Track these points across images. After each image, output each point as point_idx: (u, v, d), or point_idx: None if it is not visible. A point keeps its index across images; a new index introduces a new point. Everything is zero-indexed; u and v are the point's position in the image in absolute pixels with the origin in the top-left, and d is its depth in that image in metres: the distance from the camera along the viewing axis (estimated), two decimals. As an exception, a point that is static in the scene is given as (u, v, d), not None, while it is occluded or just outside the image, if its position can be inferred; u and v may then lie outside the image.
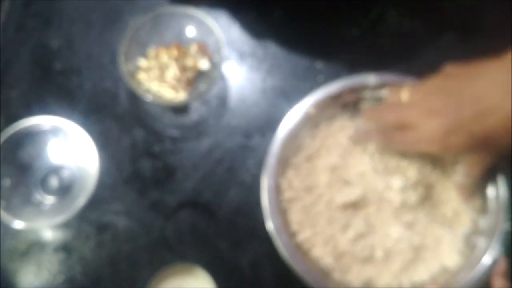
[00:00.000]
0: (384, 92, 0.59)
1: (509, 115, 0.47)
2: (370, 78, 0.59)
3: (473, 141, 0.49)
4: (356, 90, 0.59)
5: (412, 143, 0.53)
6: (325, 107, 0.59)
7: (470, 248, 0.54)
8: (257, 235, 0.60)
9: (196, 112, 0.67)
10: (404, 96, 0.54)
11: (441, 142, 0.50)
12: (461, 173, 0.56)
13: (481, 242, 0.54)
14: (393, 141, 0.55)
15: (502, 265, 0.51)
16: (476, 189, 0.55)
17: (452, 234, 0.55)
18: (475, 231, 0.55)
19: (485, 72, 0.50)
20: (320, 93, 0.59)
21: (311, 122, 0.59)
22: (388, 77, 0.59)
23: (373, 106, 0.59)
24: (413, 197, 0.55)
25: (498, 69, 0.50)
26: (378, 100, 0.59)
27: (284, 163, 0.58)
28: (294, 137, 0.58)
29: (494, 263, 0.52)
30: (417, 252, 0.55)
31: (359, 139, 0.58)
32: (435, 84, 0.53)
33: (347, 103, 0.60)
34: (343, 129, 0.60)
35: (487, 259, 0.52)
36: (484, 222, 0.55)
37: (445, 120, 0.50)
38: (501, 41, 0.52)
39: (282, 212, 0.56)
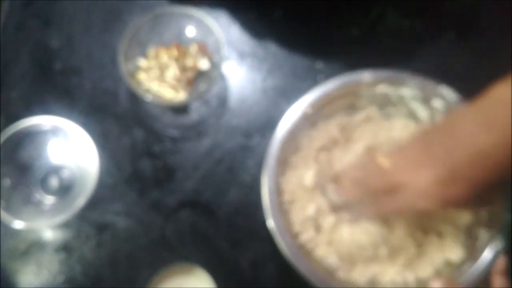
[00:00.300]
0: (381, 89, 0.58)
1: (509, 150, 0.44)
2: (365, 75, 0.59)
3: (475, 189, 0.45)
4: (352, 88, 0.59)
5: (405, 204, 0.49)
6: (322, 105, 0.59)
7: (472, 240, 0.54)
8: (257, 235, 0.60)
9: (196, 112, 0.67)
10: (381, 161, 0.50)
11: (437, 195, 0.46)
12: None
13: (483, 233, 0.54)
14: (385, 208, 0.51)
15: (502, 263, 0.51)
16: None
17: (454, 227, 0.55)
18: (476, 223, 0.55)
19: (462, 116, 0.47)
20: (316, 92, 0.59)
21: (309, 121, 0.59)
22: (383, 73, 0.59)
23: (352, 179, 0.54)
24: None
25: (476, 109, 0.46)
26: (375, 97, 0.59)
27: (283, 163, 0.58)
28: (292, 137, 0.58)
29: (497, 254, 0.52)
30: (420, 247, 0.55)
31: (355, 219, 0.55)
32: (415, 144, 0.49)
33: (344, 101, 0.60)
34: (341, 127, 0.60)
35: (489, 250, 0.52)
36: (485, 213, 0.55)
37: (435, 170, 0.46)
38: (501, 41, 0.52)
39: (283, 213, 0.56)
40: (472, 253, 0.54)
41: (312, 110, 0.59)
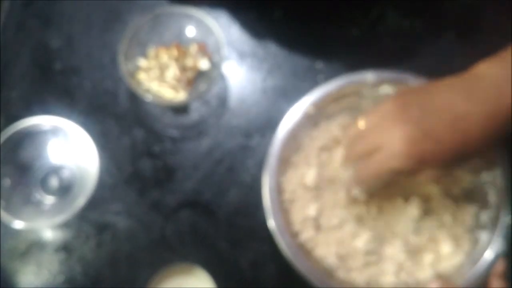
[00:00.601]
0: (384, 89, 0.58)
1: (481, 121, 0.46)
2: (368, 76, 0.59)
3: (441, 149, 0.46)
4: (355, 88, 0.59)
5: (381, 164, 0.49)
6: (324, 105, 0.59)
7: (472, 243, 0.54)
8: (257, 235, 0.60)
9: (196, 112, 0.67)
10: (361, 124, 0.52)
11: (409, 154, 0.46)
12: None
13: (483, 236, 0.54)
14: (365, 172, 0.51)
15: (500, 266, 0.51)
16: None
17: (454, 231, 0.55)
18: (476, 226, 0.55)
19: (445, 85, 0.49)
20: (319, 92, 0.59)
21: (310, 121, 0.59)
22: (386, 74, 0.59)
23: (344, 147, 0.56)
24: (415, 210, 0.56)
25: (458, 81, 0.48)
26: (378, 98, 0.59)
27: (284, 163, 0.58)
28: (294, 136, 0.58)
29: (497, 257, 0.52)
30: (420, 249, 0.55)
31: (349, 191, 0.56)
32: (393, 102, 0.49)
33: (346, 101, 0.60)
34: (343, 127, 0.60)
35: (489, 253, 0.52)
36: (485, 216, 0.55)
37: (408, 129, 0.46)
38: (501, 41, 0.52)
39: (283, 212, 0.56)
40: (472, 255, 0.54)
41: (314, 109, 0.59)
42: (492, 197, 0.55)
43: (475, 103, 0.46)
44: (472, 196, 0.56)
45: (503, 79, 0.47)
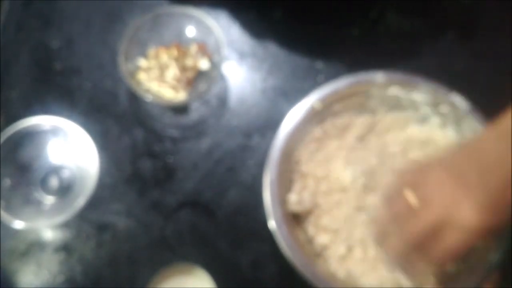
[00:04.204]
0: (393, 91, 0.58)
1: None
2: (378, 76, 0.59)
3: (506, 218, 0.43)
4: (364, 87, 0.59)
5: (456, 244, 0.44)
6: (332, 102, 0.59)
7: (470, 253, 0.54)
8: (257, 235, 0.60)
9: (196, 112, 0.67)
10: (411, 198, 0.46)
11: (485, 226, 0.42)
12: None
13: (481, 246, 0.53)
14: (438, 255, 0.45)
15: (495, 278, 0.51)
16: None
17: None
18: None
19: (489, 142, 0.45)
20: (327, 88, 0.59)
21: (317, 117, 0.59)
22: (396, 75, 0.59)
23: (386, 228, 0.49)
24: None
25: (501, 134, 0.44)
26: (386, 99, 0.59)
27: (288, 157, 0.58)
28: (299, 131, 0.58)
29: (492, 269, 0.52)
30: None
31: (416, 277, 0.51)
32: (436, 168, 0.46)
33: (354, 100, 0.60)
34: (349, 125, 0.60)
35: (488, 262, 0.52)
36: None
37: (475, 200, 0.42)
38: (501, 41, 0.52)
39: (284, 209, 0.56)
40: (469, 265, 0.53)
41: (321, 105, 0.59)
42: None
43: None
44: None
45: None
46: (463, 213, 0.42)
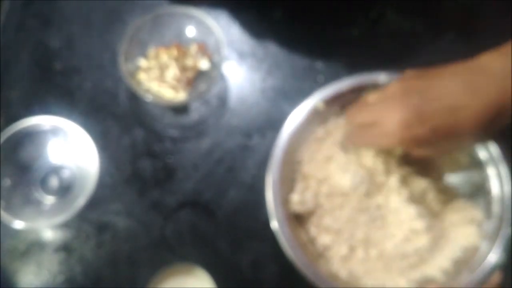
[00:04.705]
0: None
1: (477, 114, 0.48)
2: (381, 77, 0.59)
3: (433, 136, 0.49)
4: (367, 88, 0.59)
5: (374, 138, 0.53)
6: (335, 103, 0.59)
7: (472, 251, 0.54)
8: (257, 235, 0.60)
9: (196, 112, 0.67)
10: (371, 98, 0.55)
11: (401, 137, 0.50)
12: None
13: (483, 245, 0.53)
14: (359, 139, 0.56)
15: (497, 278, 0.51)
16: None
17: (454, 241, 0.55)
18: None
19: (448, 73, 0.51)
20: (330, 89, 0.59)
21: (319, 117, 0.59)
22: (399, 76, 0.59)
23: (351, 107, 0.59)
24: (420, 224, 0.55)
25: (461, 70, 0.50)
26: None
27: (290, 157, 0.58)
28: (302, 131, 0.58)
29: (494, 268, 0.52)
30: (419, 256, 0.55)
31: (345, 145, 0.59)
32: (398, 85, 0.53)
33: (357, 100, 0.60)
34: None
35: (488, 262, 0.52)
36: (487, 226, 0.54)
37: (406, 113, 0.50)
38: (501, 41, 0.52)
39: (286, 208, 0.56)
40: (470, 263, 0.53)
41: (324, 106, 0.59)
42: (496, 208, 0.54)
43: (475, 96, 0.48)
44: (477, 204, 0.56)
45: (505, 73, 0.48)
46: (389, 119, 0.50)
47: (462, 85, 0.49)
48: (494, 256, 0.52)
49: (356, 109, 0.57)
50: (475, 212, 0.56)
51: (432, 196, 0.57)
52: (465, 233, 0.55)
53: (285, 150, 0.57)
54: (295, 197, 0.56)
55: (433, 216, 0.56)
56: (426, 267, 0.54)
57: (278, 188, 0.55)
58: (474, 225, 0.55)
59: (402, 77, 0.54)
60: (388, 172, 0.57)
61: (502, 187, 0.54)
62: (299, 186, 0.58)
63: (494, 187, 0.55)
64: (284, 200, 0.56)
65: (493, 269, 0.52)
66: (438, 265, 0.54)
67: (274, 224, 0.55)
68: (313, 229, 0.57)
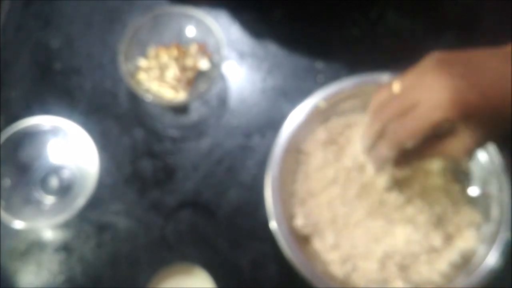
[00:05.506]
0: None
1: None
2: (384, 77, 0.58)
3: (485, 104, 0.42)
4: (369, 88, 0.59)
5: (419, 122, 0.43)
6: (337, 102, 0.59)
7: (469, 254, 0.54)
8: (257, 235, 0.60)
9: (196, 112, 0.67)
10: (396, 88, 0.47)
11: (453, 102, 0.42)
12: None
13: (481, 249, 0.53)
14: (398, 135, 0.45)
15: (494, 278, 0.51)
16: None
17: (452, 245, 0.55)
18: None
19: (486, 53, 0.45)
20: (333, 88, 0.59)
21: (321, 116, 0.59)
22: None
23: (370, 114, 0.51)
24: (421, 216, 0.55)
25: (497, 52, 0.45)
26: None
27: (290, 156, 0.58)
28: (303, 129, 0.58)
29: (491, 272, 0.52)
30: (415, 257, 0.55)
31: (378, 164, 0.51)
32: (431, 60, 0.45)
33: (359, 101, 0.59)
34: (353, 125, 0.60)
35: (486, 266, 0.52)
36: (486, 230, 0.54)
37: (452, 80, 0.42)
38: (501, 41, 0.52)
39: (285, 208, 0.56)
40: (467, 267, 0.53)
41: (326, 105, 0.59)
42: (495, 211, 0.54)
43: None
44: (476, 206, 0.56)
45: None
46: (435, 91, 0.43)
47: (506, 64, 0.43)
48: (491, 260, 0.52)
49: (378, 107, 0.47)
50: (474, 215, 0.56)
51: (432, 199, 0.57)
52: (463, 235, 0.55)
53: (285, 149, 0.57)
54: (299, 222, 0.56)
55: (432, 219, 0.56)
56: (424, 269, 0.54)
57: (277, 187, 0.55)
58: (473, 228, 0.55)
59: (433, 53, 0.46)
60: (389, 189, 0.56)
61: (501, 190, 0.54)
62: (299, 210, 0.57)
63: (493, 190, 0.55)
64: (283, 200, 0.56)
65: (490, 273, 0.52)
66: (436, 267, 0.54)
67: (273, 224, 0.55)
68: (318, 245, 0.57)
